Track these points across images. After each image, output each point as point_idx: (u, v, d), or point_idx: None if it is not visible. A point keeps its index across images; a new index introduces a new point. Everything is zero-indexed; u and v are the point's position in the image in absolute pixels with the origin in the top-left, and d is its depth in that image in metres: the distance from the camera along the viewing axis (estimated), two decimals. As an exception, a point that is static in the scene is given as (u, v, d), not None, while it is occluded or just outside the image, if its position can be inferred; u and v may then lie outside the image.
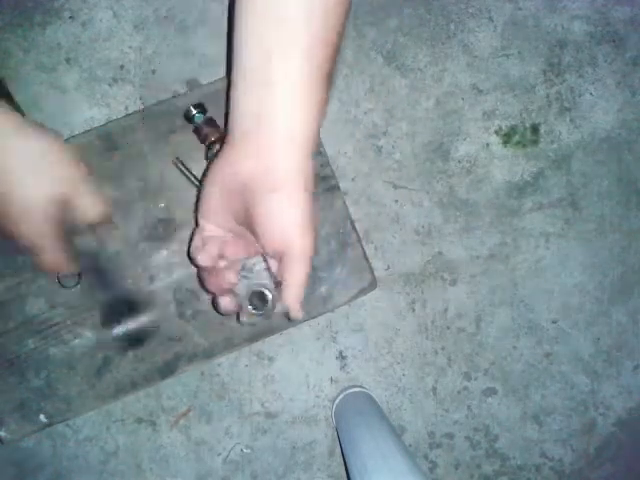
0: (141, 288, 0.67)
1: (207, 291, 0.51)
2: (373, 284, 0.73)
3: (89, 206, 0.56)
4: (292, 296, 0.47)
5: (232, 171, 0.45)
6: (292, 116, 0.41)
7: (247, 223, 0.46)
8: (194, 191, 0.65)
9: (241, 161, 0.44)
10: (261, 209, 0.44)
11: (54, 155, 0.53)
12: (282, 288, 0.47)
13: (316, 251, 0.48)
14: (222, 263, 0.49)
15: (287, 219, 0.44)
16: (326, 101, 0.42)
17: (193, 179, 0.64)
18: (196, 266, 0.51)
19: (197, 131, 0.64)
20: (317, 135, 0.43)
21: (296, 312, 0.47)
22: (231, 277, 0.49)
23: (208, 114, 0.64)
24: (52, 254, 0.53)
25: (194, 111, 0.63)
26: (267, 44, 0.39)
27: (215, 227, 0.49)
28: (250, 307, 0.49)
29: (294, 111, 0.41)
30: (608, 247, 0.98)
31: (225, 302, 0.51)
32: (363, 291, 0.71)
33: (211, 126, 0.63)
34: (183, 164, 0.64)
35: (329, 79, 0.41)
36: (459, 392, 0.99)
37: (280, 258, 0.46)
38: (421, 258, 0.96)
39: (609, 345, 1.00)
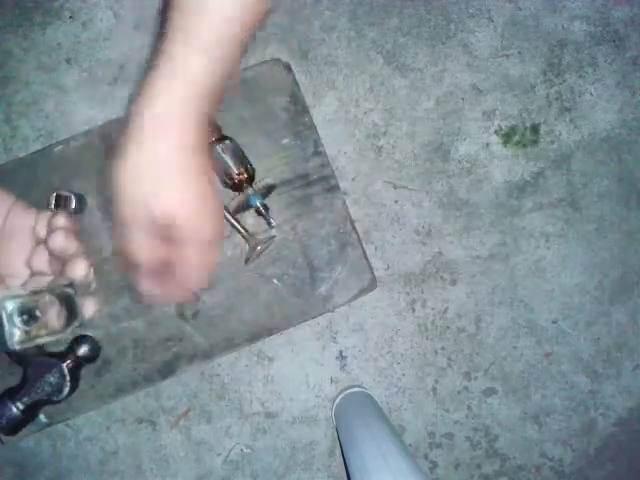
0: (141, 288, 0.67)
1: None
2: (373, 284, 0.73)
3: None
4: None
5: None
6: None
7: None
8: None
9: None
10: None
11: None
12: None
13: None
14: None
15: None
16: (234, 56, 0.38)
17: (193, 179, 0.64)
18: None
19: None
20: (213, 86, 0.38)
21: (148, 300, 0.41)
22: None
23: (228, 112, 0.64)
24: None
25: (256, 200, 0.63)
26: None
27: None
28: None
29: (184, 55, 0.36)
30: (608, 247, 0.98)
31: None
32: (363, 291, 0.71)
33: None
34: (183, 164, 0.64)
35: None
36: (459, 392, 0.99)
37: None
38: (421, 258, 0.96)
39: (609, 345, 1.00)
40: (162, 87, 0.37)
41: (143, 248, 0.39)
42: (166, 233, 0.39)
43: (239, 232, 0.66)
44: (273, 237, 0.68)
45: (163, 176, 0.38)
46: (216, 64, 0.38)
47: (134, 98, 0.37)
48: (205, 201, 0.40)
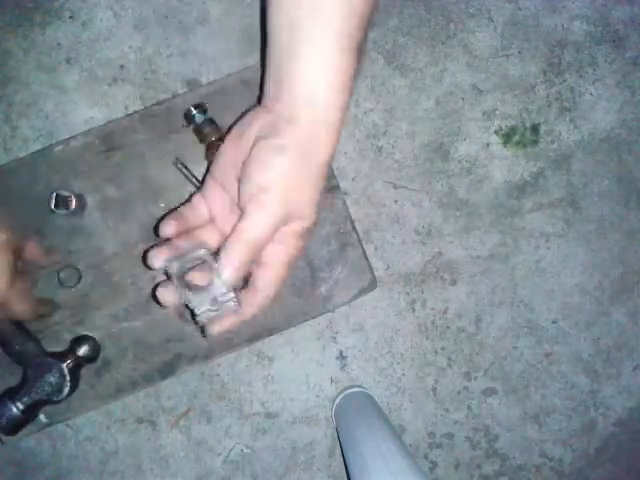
0: (142, 288, 0.67)
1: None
2: (373, 284, 0.73)
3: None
4: (230, 251, 0.41)
5: (245, 128, 0.44)
6: (314, 82, 0.40)
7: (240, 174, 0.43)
8: (194, 191, 0.65)
9: (255, 119, 0.43)
10: (253, 152, 0.41)
11: None
12: (223, 251, 0.41)
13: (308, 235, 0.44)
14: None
15: (271, 166, 0.40)
16: (355, 71, 0.40)
17: (193, 179, 0.64)
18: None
19: (197, 131, 0.64)
20: (342, 105, 0.40)
21: (227, 273, 0.41)
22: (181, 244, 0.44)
23: (208, 114, 0.64)
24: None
25: (194, 111, 0.63)
26: (293, 14, 0.39)
27: (217, 194, 0.47)
28: (187, 292, 0.42)
29: (316, 78, 0.40)
30: (608, 247, 0.98)
31: (163, 292, 0.45)
32: (363, 291, 0.71)
33: (211, 126, 0.63)
34: (183, 164, 0.64)
35: (358, 50, 0.40)
36: (459, 392, 0.99)
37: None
38: (421, 258, 0.96)
39: (609, 345, 1.00)
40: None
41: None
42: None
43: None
44: None
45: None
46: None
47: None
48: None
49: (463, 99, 0.96)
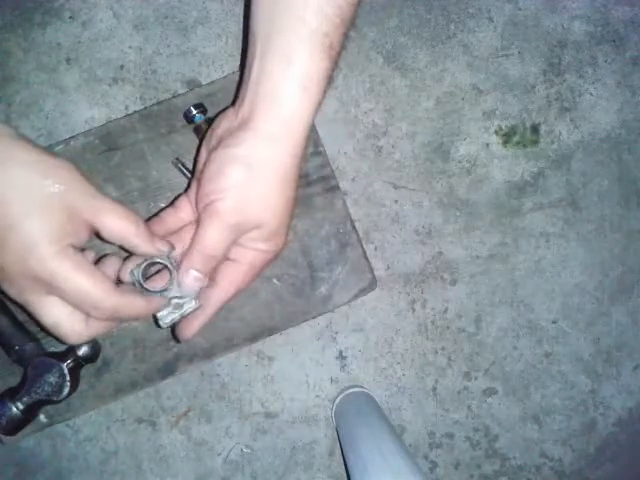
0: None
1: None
2: (373, 284, 0.73)
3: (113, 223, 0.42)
4: (188, 261, 0.41)
5: (213, 130, 0.44)
6: (277, 84, 0.39)
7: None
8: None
9: (221, 120, 0.43)
10: (210, 159, 0.41)
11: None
12: (184, 260, 0.42)
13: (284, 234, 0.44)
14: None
15: (223, 178, 0.40)
16: (328, 73, 0.39)
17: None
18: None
19: (197, 131, 0.64)
20: (308, 109, 0.39)
21: (186, 281, 0.41)
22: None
23: (208, 114, 0.64)
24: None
25: (194, 111, 0.63)
26: (269, 11, 0.38)
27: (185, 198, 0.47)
28: (146, 286, 0.43)
29: (280, 80, 0.38)
30: (608, 247, 0.98)
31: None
32: (363, 291, 0.71)
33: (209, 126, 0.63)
34: (183, 164, 0.64)
35: (334, 51, 0.39)
36: (459, 392, 0.99)
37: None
38: (421, 258, 0.96)
39: (609, 345, 1.00)
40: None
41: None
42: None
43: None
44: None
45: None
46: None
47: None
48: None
49: (463, 99, 0.96)
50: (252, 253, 0.46)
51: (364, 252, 0.70)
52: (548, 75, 0.96)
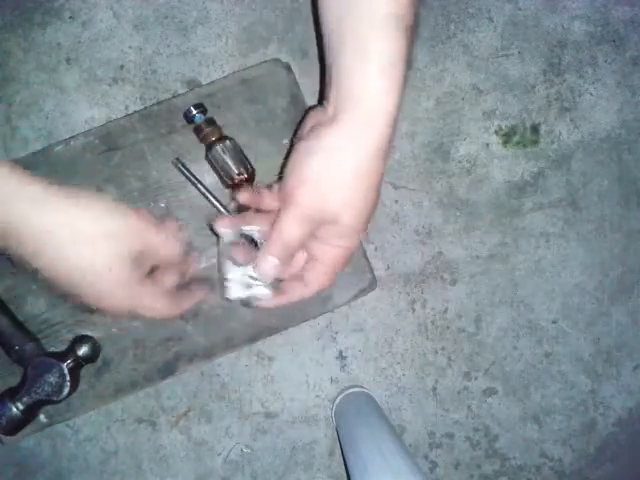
0: (141, 288, 0.67)
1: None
2: (373, 284, 0.73)
3: (166, 246, 0.47)
4: (266, 249, 0.43)
5: (300, 127, 0.46)
6: (359, 78, 0.39)
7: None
8: (194, 191, 0.65)
9: (307, 119, 0.44)
10: (293, 151, 0.42)
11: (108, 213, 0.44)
12: (262, 247, 0.44)
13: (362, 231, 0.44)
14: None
15: (303, 170, 0.41)
16: (407, 56, 0.39)
17: (193, 179, 0.64)
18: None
19: (197, 131, 0.64)
20: (393, 95, 0.39)
21: (261, 269, 0.43)
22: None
23: (208, 114, 0.64)
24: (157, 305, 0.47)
25: (194, 111, 0.63)
26: (339, 9, 0.38)
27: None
28: (226, 261, 0.45)
29: (362, 72, 0.38)
30: (608, 247, 0.98)
31: (223, 224, 0.47)
32: (363, 291, 0.71)
33: (211, 126, 0.63)
34: (183, 164, 0.64)
35: (410, 31, 0.39)
36: (459, 392, 0.99)
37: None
38: (421, 258, 0.96)
39: (609, 345, 1.00)
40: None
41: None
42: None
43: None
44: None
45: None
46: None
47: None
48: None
49: (463, 99, 0.96)
50: (331, 250, 0.46)
51: (364, 252, 0.70)
52: (548, 75, 0.96)
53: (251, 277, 0.46)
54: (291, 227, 0.42)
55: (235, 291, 0.47)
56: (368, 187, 0.42)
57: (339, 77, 0.40)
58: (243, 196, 0.48)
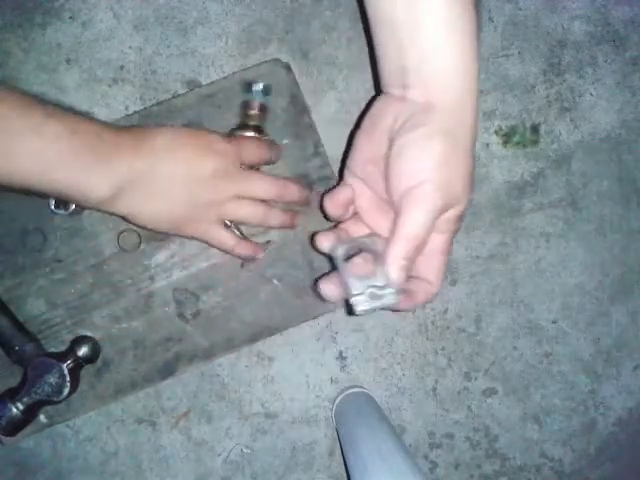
0: (141, 288, 0.67)
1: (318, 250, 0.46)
2: (373, 284, 0.73)
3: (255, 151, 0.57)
4: (395, 251, 0.40)
5: (376, 120, 0.43)
6: (443, 64, 0.39)
7: (384, 169, 0.42)
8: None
9: (385, 110, 0.42)
10: (397, 145, 0.40)
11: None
12: (388, 245, 0.40)
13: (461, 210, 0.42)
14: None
15: (423, 156, 0.39)
16: (477, 31, 0.39)
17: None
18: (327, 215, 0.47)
19: (246, 106, 0.62)
20: (475, 74, 0.40)
21: (394, 273, 0.39)
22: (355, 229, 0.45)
23: (214, 115, 0.64)
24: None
25: (261, 85, 0.62)
26: None
27: (358, 184, 0.46)
28: (349, 277, 0.41)
29: (444, 59, 0.39)
30: (608, 247, 0.98)
31: (328, 288, 0.44)
32: (363, 291, 0.70)
33: (261, 112, 0.62)
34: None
35: (475, 5, 0.40)
36: (459, 392, 0.99)
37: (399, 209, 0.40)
38: (421, 258, 0.96)
39: (609, 345, 1.00)
40: None
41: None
42: None
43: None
44: (269, 242, 0.68)
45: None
46: None
47: None
48: None
49: (463, 99, 0.96)
50: (440, 237, 0.44)
51: (364, 252, 0.70)
52: (548, 75, 0.96)
53: (376, 287, 0.42)
54: (420, 224, 0.40)
55: (364, 305, 0.43)
56: (472, 169, 0.42)
57: (418, 65, 0.40)
58: (343, 195, 0.45)
